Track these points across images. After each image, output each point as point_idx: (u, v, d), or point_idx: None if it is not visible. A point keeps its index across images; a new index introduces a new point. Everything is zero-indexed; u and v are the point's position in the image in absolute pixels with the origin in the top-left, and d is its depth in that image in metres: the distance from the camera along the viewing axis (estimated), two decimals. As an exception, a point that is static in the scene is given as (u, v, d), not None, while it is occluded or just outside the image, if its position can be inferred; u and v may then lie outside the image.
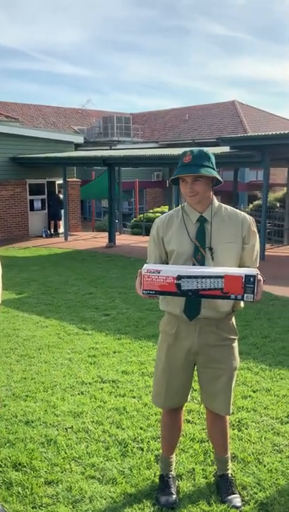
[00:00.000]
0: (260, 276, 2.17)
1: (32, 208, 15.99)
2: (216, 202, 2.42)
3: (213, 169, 2.31)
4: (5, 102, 27.86)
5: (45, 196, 16.36)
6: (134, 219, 20.24)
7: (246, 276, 2.11)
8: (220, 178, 2.33)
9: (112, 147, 24.71)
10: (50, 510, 2.46)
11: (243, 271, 2.16)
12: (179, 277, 2.14)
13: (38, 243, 14.24)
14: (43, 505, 2.51)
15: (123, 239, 15.42)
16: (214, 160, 2.34)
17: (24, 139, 15.47)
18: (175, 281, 2.15)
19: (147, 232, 16.30)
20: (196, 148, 2.34)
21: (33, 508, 2.50)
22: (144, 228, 17.21)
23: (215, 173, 2.29)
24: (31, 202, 15.96)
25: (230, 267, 2.29)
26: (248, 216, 2.42)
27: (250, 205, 21.31)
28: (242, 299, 2.15)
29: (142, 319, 6.00)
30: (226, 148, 11.35)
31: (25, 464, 2.86)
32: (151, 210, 21.80)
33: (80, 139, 18.17)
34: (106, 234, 14.83)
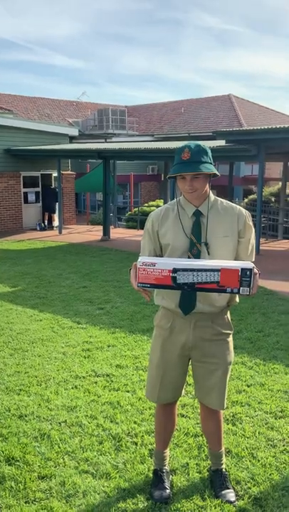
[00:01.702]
0: (256, 270, 2.15)
1: (26, 201, 15.89)
2: (212, 196, 2.40)
3: (211, 163, 2.29)
4: (-1, 93, 27.60)
5: (39, 189, 16.25)
6: (129, 212, 20.17)
7: (242, 269, 2.09)
8: (218, 174, 2.31)
9: (107, 140, 24.59)
10: (43, 505, 2.45)
11: (239, 264, 2.14)
12: (175, 270, 2.12)
13: (32, 236, 14.16)
14: (36, 499, 2.50)
15: (118, 232, 15.38)
16: (211, 153, 2.31)
17: (18, 131, 15.34)
18: (171, 274, 2.12)
19: (142, 226, 16.28)
20: (192, 143, 2.30)
21: (26, 502, 2.48)
22: (138, 222, 17.16)
23: (214, 170, 2.26)
24: (25, 194, 15.85)
25: (226, 260, 2.27)
26: (243, 210, 2.39)
27: (245, 200, 21.30)
28: (238, 293, 2.13)
29: (137, 313, 5.98)
30: (221, 142, 11.30)
31: (18, 459, 2.84)
32: (146, 204, 21.75)
33: (74, 132, 18.05)
34: (101, 227, 14.78)
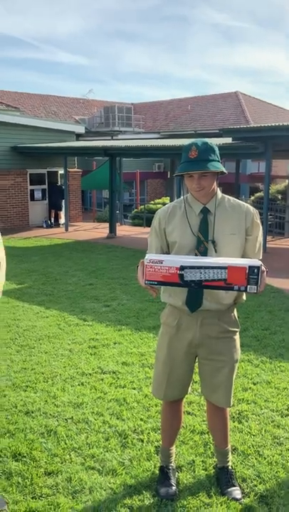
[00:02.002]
0: (263, 268, 2.14)
1: (32, 198, 15.94)
2: (220, 193, 2.40)
3: (219, 161, 2.28)
4: (5, 91, 27.66)
5: (46, 186, 16.29)
6: (135, 210, 20.18)
7: (250, 267, 2.09)
8: (226, 171, 2.30)
9: (114, 137, 24.57)
10: (49, 501, 2.46)
11: (246, 262, 2.13)
12: (182, 268, 2.12)
13: (39, 233, 14.20)
14: (43, 495, 2.51)
15: (124, 230, 15.39)
16: (218, 151, 2.31)
17: (25, 129, 15.38)
18: (178, 272, 2.12)
19: (148, 223, 16.27)
20: (200, 141, 2.29)
21: (32, 498, 2.49)
22: (144, 219, 17.15)
23: (222, 168, 2.26)
24: (32, 192, 15.90)
25: (233, 258, 2.26)
26: (251, 207, 2.39)
27: (252, 197, 21.23)
28: (245, 290, 2.12)
29: (143, 310, 5.99)
30: (228, 140, 11.26)
31: (25, 455, 2.85)
32: (153, 202, 21.73)
33: (81, 129, 18.05)
34: (107, 225, 14.79)
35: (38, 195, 16.11)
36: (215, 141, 2.60)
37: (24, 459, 2.82)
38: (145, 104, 32.08)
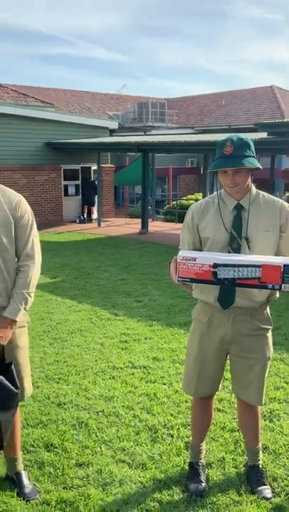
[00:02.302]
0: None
1: (66, 194, 16.13)
2: (254, 189, 2.37)
3: (254, 157, 2.24)
4: (41, 87, 28.07)
5: (79, 182, 16.45)
6: (168, 206, 20.12)
7: (285, 265, 2.05)
8: (260, 167, 2.26)
9: (147, 133, 24.57)
10: (80, 492, 2.50)
11: (281, 260, 2.10)
12: (216, 265, 2.10)
13: (72, 228, 14.38)
14: (74, 486, 2.55)
15: (156, 226, 15.38)
16: (253, 146, 2.27)
17: (59, 125, 15.55)
18: (211, 270, 2.11)
19: (180, 219, 16.20)
20: (235, 136, 2.26)
21: (64, 488, 2.54)
22: (177, 215, 17.08)
23: (257, 164, 2.22)
24: (65, 187, 16.09)
25: (267, 255, 2.23)
26: (286, 204, 2.35)
27: (287, 193, 20.84)
28: (279, 289, 2.09)
29: (174, 306, 5.99)
30: (263, 135, 11.08)
31: (56, 445, 2.91)
32: (185, 197, 21.63)
33: (114, 125, 18.12)
34: (139, 220, 14.82)
35: (71, 190, 16.30)
36: (249, 136, 2.56)
37: (56, 449, 2.88)
38: (179, 99, 31.91)
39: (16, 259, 2.37)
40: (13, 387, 2.24)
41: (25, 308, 2.33)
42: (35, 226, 2.41)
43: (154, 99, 29.18)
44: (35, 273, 2.39)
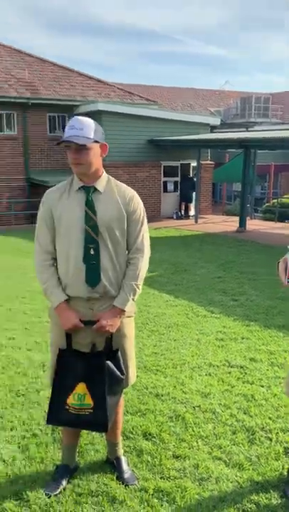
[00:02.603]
0: None
1: (165, 190, 16.34)
2: None
3: None
4: (146, 85, 28.63)
5: (178, 178, 16.56)
6: (267, 204, 19.54)
7: None
8: None
9: (249, 129, 24.01)
10: (177, 484, 2.54)
11: None
12: None
13: (169, 224, 14.52)
14: (171, 477, 2.60)
15: (254, 224, 15.02)
16: None
17: (161, 122, 15.76)
18: None
19: (281, 218, 15.66)
20: None
21: (161, 478, 2.59)
22: (277, 214, 16.54)
23: None
24: (165, 184, 16.30)
25: None
26: None
27: None
28: None
29: (273, 308, 5.82)
30: None
31: (154, 435, 2.98)
32: (286, 196, 20.84)
33: (216, 121, 17.96)
34: (236, 218, 14.57)
35: (170, 187, 16.48)
36: None
37: (154, 439, 2.94)
38: (285, 93, 30.74)
39: (127, 252, 2.46)
40: (119, 373, 2.33)
41: (133, 299, 2.41)
42: (146, 221, 2.48)
43: (257, 94, 28.41)
44: (143, 266, 2.47)
